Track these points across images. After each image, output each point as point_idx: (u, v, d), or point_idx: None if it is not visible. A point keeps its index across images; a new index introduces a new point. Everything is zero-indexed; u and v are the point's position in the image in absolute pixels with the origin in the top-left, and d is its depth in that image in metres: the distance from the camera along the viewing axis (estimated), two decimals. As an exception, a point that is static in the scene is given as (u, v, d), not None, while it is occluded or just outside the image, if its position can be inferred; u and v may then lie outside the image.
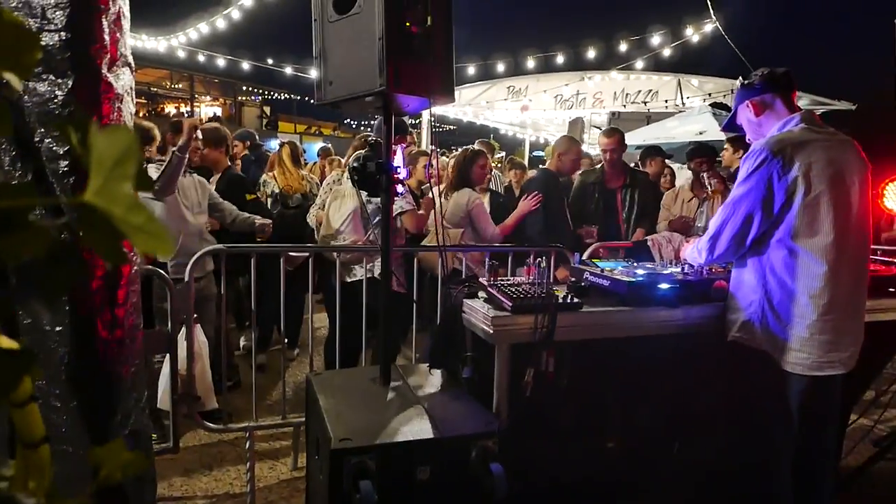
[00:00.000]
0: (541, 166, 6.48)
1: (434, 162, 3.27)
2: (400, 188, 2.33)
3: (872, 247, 2.27)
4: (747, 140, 2.36)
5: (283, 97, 27.35)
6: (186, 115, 20.86)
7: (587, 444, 2.46)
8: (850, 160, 2.09)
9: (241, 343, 5.08)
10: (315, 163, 7.72)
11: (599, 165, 4.63)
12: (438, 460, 1.83)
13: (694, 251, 2.28)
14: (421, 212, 3.66)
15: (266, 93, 26.62)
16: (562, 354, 2.09)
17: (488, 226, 3.92)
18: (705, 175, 4.23)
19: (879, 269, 2.61)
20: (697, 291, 2.30)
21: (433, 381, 2.31)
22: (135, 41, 9.24)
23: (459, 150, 5.22)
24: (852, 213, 2.06)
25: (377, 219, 3.47)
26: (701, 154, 4.60)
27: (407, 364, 3.09)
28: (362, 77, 2.03)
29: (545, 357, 2.05)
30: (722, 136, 8.13)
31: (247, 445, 2.98)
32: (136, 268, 2.00)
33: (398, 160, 2.30)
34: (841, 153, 2.08)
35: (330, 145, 9.25)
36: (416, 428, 1.89)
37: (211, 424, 3.05)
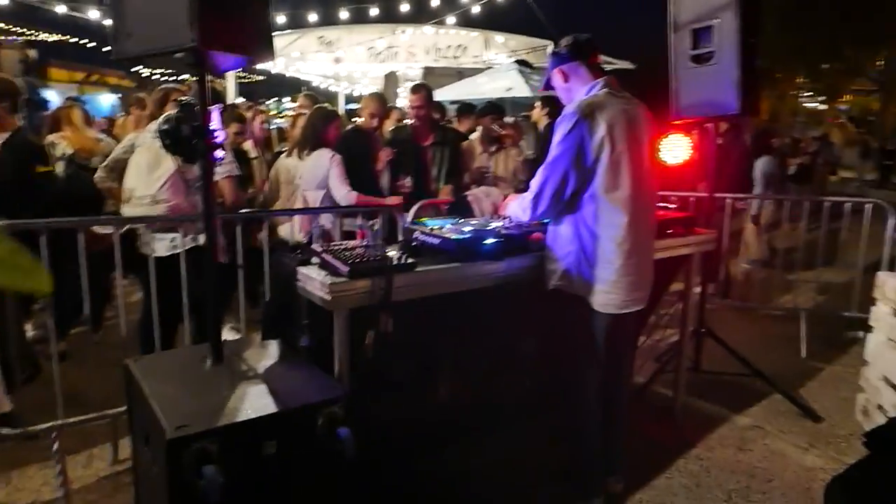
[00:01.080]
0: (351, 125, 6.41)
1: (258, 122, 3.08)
2: (220, 153, 2.19)
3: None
4: (561, 100, 2.61)
5: (52, 39, 23.46)
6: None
7: (424, 395, 2.60)
8: (642, 121, 2.40)
9: (30, 332, 4.44)
10: (120, 117, 6.78)
11: (411, 122, 4.68)
12: (285, 433, 1.82)
13: (518, 210, 2.46)
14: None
15: (30, 33, 22.60)
16: (399, 314, 2.15)
17: (343, 187, 3.80)
18: (496, 126, 4.58)
19: (658, 213, 3.04)
20: (518, 244, 2.49)
21: (269, 353, 2.26)
22: None
23: (300, 103, 5.04)
24: (644, 168, 2.38)
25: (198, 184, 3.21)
26: (490, 112, 4.95)
27: (239, 339, 2.97)
28: (169, 30, 1.84)
29: (384, 318, 2.10)
30: (528, 93, 8.72)
31: (54, 447, 2.67)
32: None
33: (215, 122, 2.14)
34: (635, 115, 2.38)
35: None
36: (257, 403, 1.85)
37: (5, 430, 2.67)
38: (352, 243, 2.34)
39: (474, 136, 5.04)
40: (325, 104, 4.49)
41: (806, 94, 30.47)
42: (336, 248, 2.25)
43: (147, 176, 3.29)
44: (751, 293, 5.44)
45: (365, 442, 1.92)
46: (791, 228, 5.18)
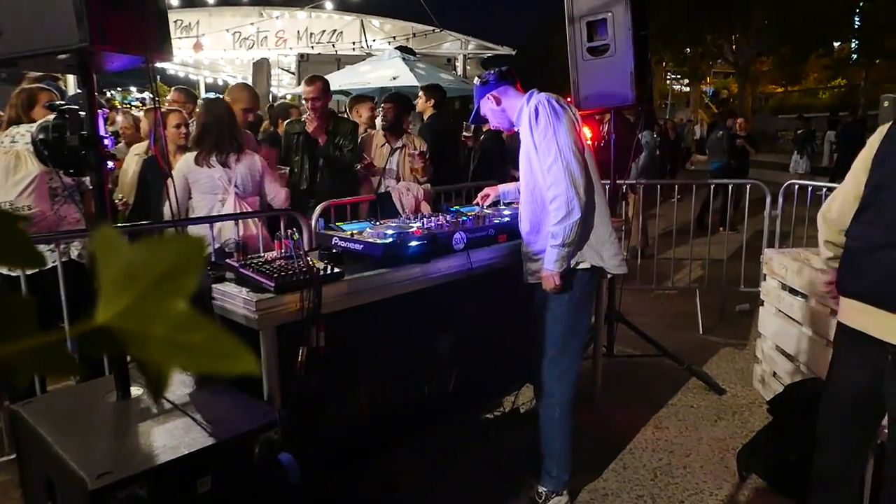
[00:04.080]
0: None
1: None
2: (111, 164, 2.05)
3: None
4: (491, 126, 2.85)
5: None
6: None
7: (363, 408, 2.59)
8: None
9: None
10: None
11: (305, 115, 4.58)
12: (220, 467, 1.75)
13: (555, 226, 2.43)
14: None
15: None
16: (329, 326, 2.14)
17: (281, 189, 3.63)
18: (416, 154, 4.36)
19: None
20: (442, 244, 2.55)
21: (185, 381, 2.15)
22: None
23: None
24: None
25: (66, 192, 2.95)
26: (396, 101, 4.73)
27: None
28: (51, 28, 1.69)
29: (315, 333, 2.08)
30: (413, 82, 8.79)
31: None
32: None
33: (101, 128, 2.00)
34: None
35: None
36: (185, 438, 1.76)
37: None
38: (271, 255, 2.28)
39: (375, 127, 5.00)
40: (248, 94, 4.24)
41: (672, 77, 33.15)
42: (255, 261, 2.19)
43: (4, 181, 2.99)
44: (645, 273, 5.88)
45: (306, 465, 1.90)
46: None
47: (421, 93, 5.50)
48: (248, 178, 3.48)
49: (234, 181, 3.42)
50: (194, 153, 3.40)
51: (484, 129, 5.79)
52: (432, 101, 5.48)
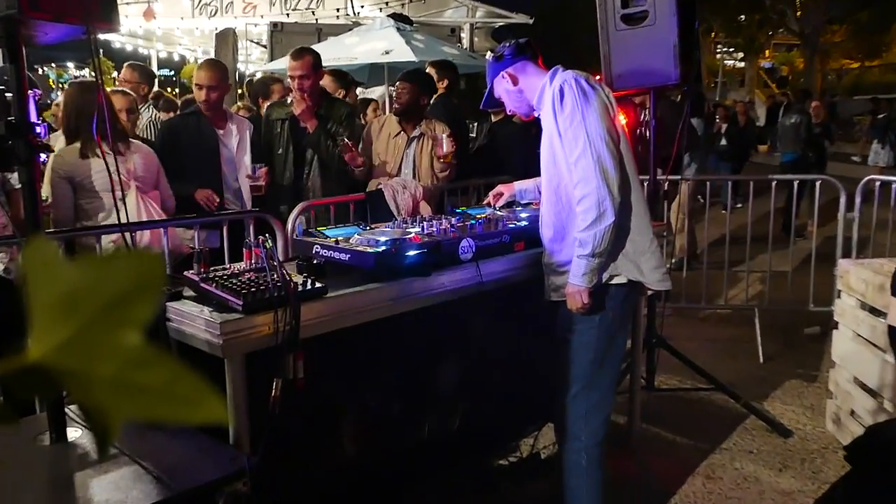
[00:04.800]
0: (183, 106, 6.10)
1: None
2: (43, 156, 2.06)
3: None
4: (508, 111, 2.80)
5: None
6: None
7: (342, 453, 2.58)
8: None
9: None
10: None
11: (291, 97, 4.55)
12: (175, 526, 1.75)
13: (586, 233, 2.41)
14: None
15: None
16: (309, 354, 2.13)
17: (171, 195, 3.71)
18: (444, 137, 4.19)
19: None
20: (447, 253, 2.55)
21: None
22: None
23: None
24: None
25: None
26: (415, 79, 4.66)
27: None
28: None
29: (292, 362, 2.08)
30: (411, 57, 8.81)
31: None
32: None
33: (32, 113, 2.02)
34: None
35: None
36: (134, 492, 1.76)
37: None
38: (238, 267, 2.28)
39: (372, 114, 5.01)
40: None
41: (724, 51, 33.22)
42: (219, 274, 2.19)
43: None
44: (693, 289, 5.87)
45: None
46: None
47: (429, 70, 5.52)
48: (145, 169, 3.54)
49: (134, 173, 3.45)
50: (74, 146, 3.34)
51: (493, 119, 5.75)
52: (446, 81, 5.48)
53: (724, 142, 10.88)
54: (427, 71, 5.44)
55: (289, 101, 4.47)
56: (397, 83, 4.73)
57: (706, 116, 8.39)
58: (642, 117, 5.67)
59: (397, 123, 4.46)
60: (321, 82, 4.61)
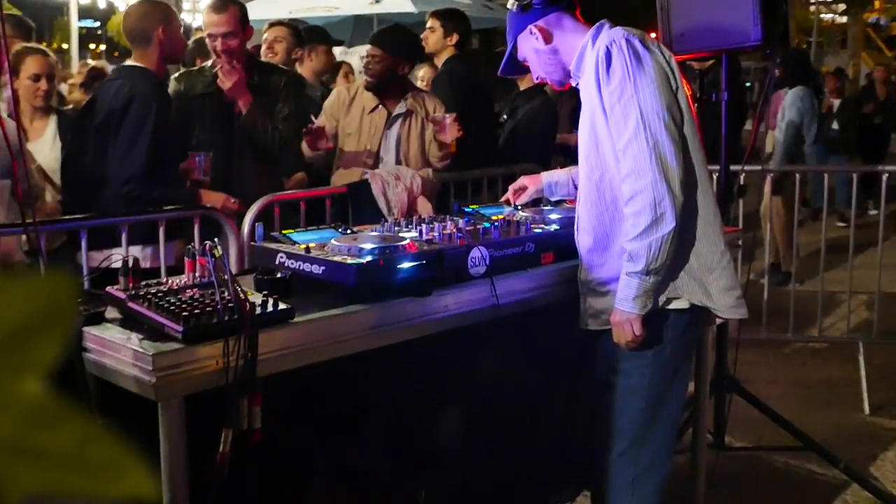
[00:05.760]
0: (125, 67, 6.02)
1: None
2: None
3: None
4: (536, 79, 2.84)
5: None
6: None
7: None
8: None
9: None
10: None
11: (210, 64, 4.50)
12: None
13: (638, 244, 2.41)
14: None
15: None
16: (269, 397, 2.13)
17: None
18: (448, 119, 4.21)
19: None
20: (452, 266, 2.55)
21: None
22: None
23: None
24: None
25: None
26: (389, 41, 4.60)
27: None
28: None
29: (246, 407, 2.08)
30: (409, 7, 8.85)
31: None
32: None
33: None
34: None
35: None
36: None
37: None
38: (178, 281, 2.28)
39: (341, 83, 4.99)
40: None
41: (820, 2, 33.27)
42: (153, 291, 2.19)
43: None
44: (777, 316, 5.85)
45: None
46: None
47: (431, 23, 5.47)
48: None
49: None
50: None
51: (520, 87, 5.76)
52: (455, 36, 5.44)
53: (835, 125, 10.44)
54: (428, 23, 5.43)
55: (208, 69, 4.41)
56: (367, 48, 4.70)
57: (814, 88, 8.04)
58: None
59: (373, 98, 4.48)
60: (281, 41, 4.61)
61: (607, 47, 2.46)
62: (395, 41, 4.59)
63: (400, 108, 4.44)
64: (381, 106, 4.44)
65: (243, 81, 4.17)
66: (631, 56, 2.43)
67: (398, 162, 4.35)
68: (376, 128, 4.40)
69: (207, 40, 4.33)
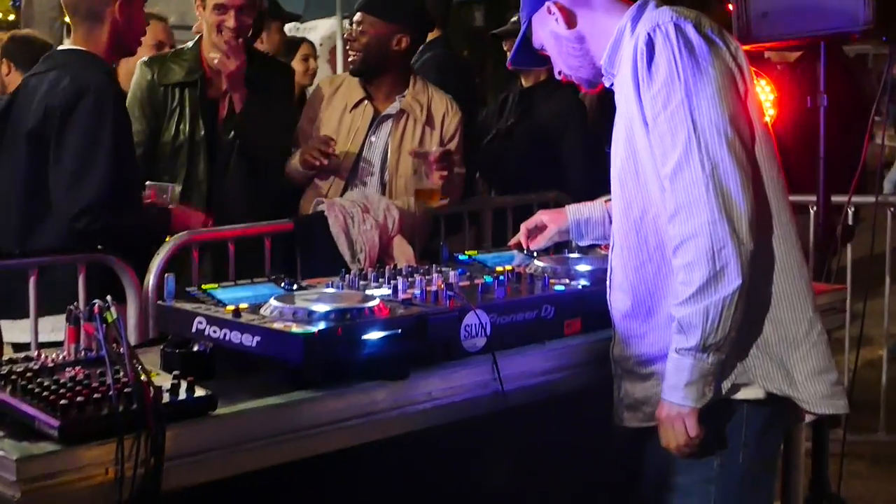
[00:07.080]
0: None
1: None
2: None
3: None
4: (557, 75, 2.84)
5: None
6: None
7: None
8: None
9: None
10: None
11: (191, 45, 4.58)
12: None
13: (692, 308, 2.42)
14: None
15: None
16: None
17: None
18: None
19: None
20: (440, 337, 2.58)
21: None
22: None
23: None
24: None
25: None
26: (385, 5, 4.72)
27: None
28: None
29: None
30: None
31: None
32: None
33: None
34: None
35: None
36: None
37: None
38: (55, 356, 2.32)
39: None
40: None
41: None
42: (20, 370, 2.23)
43: None
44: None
45: None
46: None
47: None
48: None
49: None
50: None
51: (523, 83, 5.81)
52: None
53: None
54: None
55: (189, 49, 4.60)
56: (355, 15, 4.74)
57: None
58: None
59: (360, 87, 4.57)
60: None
61: (649, 35, 2.48)
62: (392, 4, 4.61)
63: (393, 107, 4.51)
64: (366, 101, 4.51)
65: (244, 70, 4.34)
66: (681, 47, 2.44)
67: (382, 180, 4.40)
68: (356, 131, 4.47)
69: (212, 14, 4.45)
